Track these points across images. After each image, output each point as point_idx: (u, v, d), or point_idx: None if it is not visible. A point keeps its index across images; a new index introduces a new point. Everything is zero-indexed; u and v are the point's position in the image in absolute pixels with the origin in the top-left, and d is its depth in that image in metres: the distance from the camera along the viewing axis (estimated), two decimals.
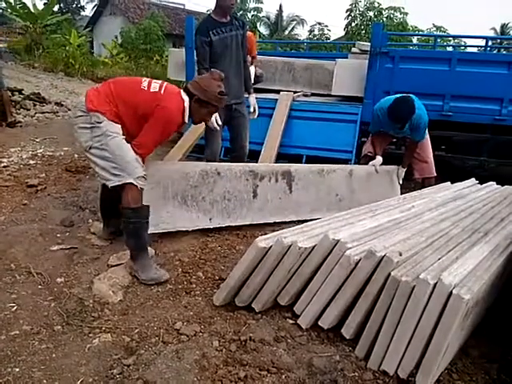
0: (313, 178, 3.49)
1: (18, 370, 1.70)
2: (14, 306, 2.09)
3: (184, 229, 2.92)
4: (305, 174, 3.46)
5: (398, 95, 3.59)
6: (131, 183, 2.36)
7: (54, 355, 1.80)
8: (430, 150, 3.92)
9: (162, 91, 2.46)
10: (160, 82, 2.54)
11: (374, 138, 3.91)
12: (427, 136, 3.86)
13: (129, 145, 2.42)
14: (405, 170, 3.89)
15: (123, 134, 2.42)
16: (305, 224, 2.32)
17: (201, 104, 2.52)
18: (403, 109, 3.42)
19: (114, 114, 2.39)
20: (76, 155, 4.75)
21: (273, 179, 3.28)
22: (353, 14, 18.50)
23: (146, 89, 2.45)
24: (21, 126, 5.88)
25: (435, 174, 3.90)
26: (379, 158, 3.80)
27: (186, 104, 2.49)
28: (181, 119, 2.50)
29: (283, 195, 3.34)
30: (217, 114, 2.97)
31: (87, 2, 27.00)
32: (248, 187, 3.17)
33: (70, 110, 7.58)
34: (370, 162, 3.80)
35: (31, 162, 4.39)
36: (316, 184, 3.50)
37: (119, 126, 2.41)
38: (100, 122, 2.36)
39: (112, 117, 2.38)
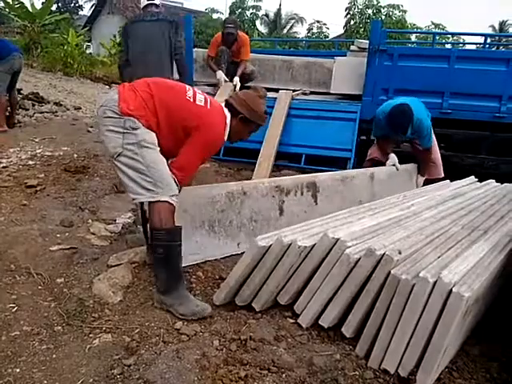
0: (336, 187, 3.34)
1: (18, 370, 1.70)
2: (14, 307, 2.09)
3: (213, 258, 2.68)
4: (329, 183, 3.29)
5: (397, 101, 3.58)
6: (166, 201, 2.08)
7: (54, 356, 1.79)
8: (438, 152, 3.92)
9: (209, 106, 2.24)
10: (202, 93, 2.32)
11: (380, 142, 3.89)
12: (434, 138, 3.86)
13: (165, 160, 2.16)
14: (424, 178, 3.88)
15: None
16: (304, 223, 2.32)
17: (246, 123, 2.33)
18: (399, 118, 3.43)
19: (150, 121, 2.11)
20: (75, 155, 4.74)
21: (298, 193, 3.09)
22: (351, 12, 18.52)
23: (191, 100, 2.20)
24: (20, 126, 5.88)
25: (443, 175, 3.89)
26: (394, 156, 3.77)
27: (228, 121, 2.29)
28: (223, 136, 2.29)
29: (308, 208, 3.15)
30: None
31: (85, 2, 27.07)
32: (274, 204, 2.97)
33: (68, 109, 7.57)
34: (388, 162, 3.76)
35: (30, 162, 4.38)
36: (340, 192, 3.35)
37: (154, 135, 2.13)
38: (135, 129, 2.07)
39: (148, 123, 2.10)
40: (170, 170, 2.14)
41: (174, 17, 3.87)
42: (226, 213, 2.72)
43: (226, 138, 2.31)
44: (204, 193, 2.62)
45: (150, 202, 2.10)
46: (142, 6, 3.97)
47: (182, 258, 2.18)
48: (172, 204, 2.10)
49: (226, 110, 2.31)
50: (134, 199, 2.15)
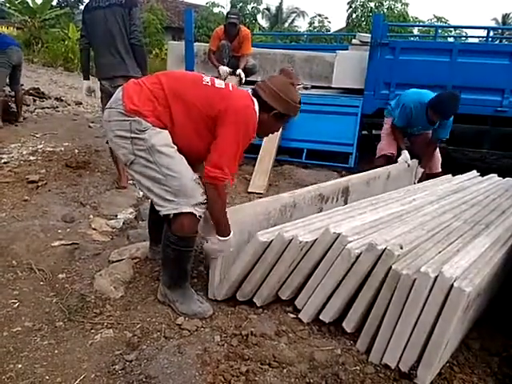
0: (362, 189, 3.27)
1: (20, 366, 1.71)
2: (16, 303, 2.10)
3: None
4: (358, 186, 3.20)
5: (426, 92, 3.60)
6: (189, 212, 1.89)
7: (56, 351, 1.80)
8: (437, 146, 3.92)
9: (231, 88, 1.99)
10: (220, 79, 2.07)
11: (397, 133, 3.87)
12: None
13: (184, 159, 1.92)
14: (423, 170, 3.87)
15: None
16: (305, 218, 2.31)
17: (279, 118, 2.03)
18: (453, 104, 3.41)
19: (161, 116, 1.88)
20: (76, 150, 4.74)
21: (334, 199, 3.00)
22: (354, 6, 18.40)
23: (209, 84, 1.94)
24: (21, 122, 5.88)
25: (440, 170, 3.88)
26: (406, 152, 3.76)
27: (257, 107, 1.98)
28: (256, 124, 1.97)
29: None
30: None
31: None
32: (314, 213, 2.77)
33: (69, 105, 7.57)
34: (400, 158, 3.74)
35: (31, 157, 4.38)
36: (364, 193, 3.25)
37: (166, 132, 1.89)
38: (143, 131, 1.85)
39: (158, 119, 1.87)
40: (207, 171, 1.86)
41: None
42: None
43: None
44: (261, 211, 2.37)
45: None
46: None
47: (191, 261, 2.09)
48: (195, 214, 1.91)
49: (254, 99, 2.00)
50: (158, 211, 1.95)
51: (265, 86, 1.99)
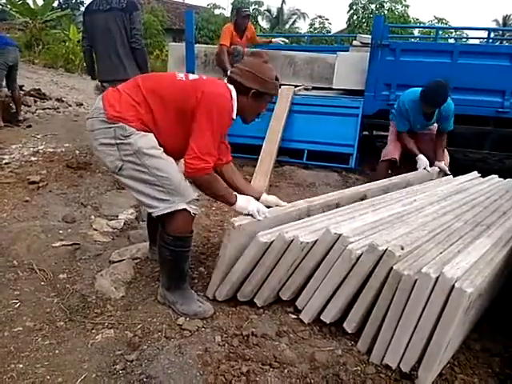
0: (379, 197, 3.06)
1: (21, 366, 1.71)
2: (17, 303, 2.10)
3: None
4: (375, 194, 3.01)
5: (416, 89, 3.60)
6: (183, 209, 1.91)
7: (57, 351, 1.80)
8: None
9: (204, 78, 2.02)
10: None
11: (404, 136, 3.86)
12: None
13: (172, 159, 1.96)
14: (443, 161, 3.80)
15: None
16: (306, 219, 2.31)
17: (259, 97, 2.02)
18: (440, 92, 3.43)
19: (143, 119, 1.89)
20: (77, 151, 4.74)
21: None
22: (355, 8, 18.42)
23: (184, 79, 1.97)
24: (22, 123, 5.88)
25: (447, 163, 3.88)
26: (423, 157, 3.71)
27: (234, 95, 1.98)
28: (232, 109, 1.97)
29: None
30: None
31: None
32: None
33: (70, 105, 7.57)
34: (418, 165, 3.69)
35: (32, 158, 4.39)
36: None
37: (151, 134, 1.91)
38: (127, 136, 1.85)
39: (142, 123, 1.89)
40: (187, 164, 1.87)
41: (126, 0, 3.66)
42: None
43: (234, 115, 2.01)
44: (273, 221, 2.26)
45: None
46: None
47: (189, 261, 2.11)
48: (190, 212, 1.93)
49: (229, 86, 2.00)
50: (151, 213, 1.97)
51: (238, 70, 2.01)
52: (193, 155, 1.86)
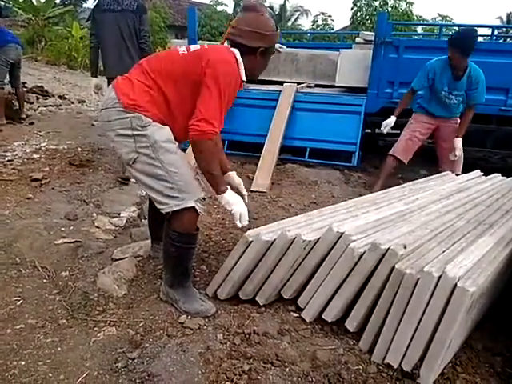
0: None
1: (23, 363, 1.71)
2: (19, 300, 2.11)
3: None
4: None
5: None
6: (191, 207, 1.91)
7: (59, 349, 1.81)
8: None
9: (206, 46, 1.98)
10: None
11: (403, 99, 3.94)
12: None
13: (184, 155, 1.98)
14: (461, 139, 3.77)
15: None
16: (308, 217, 2.31)
17: (265, 53, 1.98)
18: (469, 35, 3.45)
19: (158, 102, 1.88)
20: (79, 149, 4.75)
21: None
22: (358, 4, 18.36)
23: (186, 52, 1.93)
24: (24, 120, 5.89)
25: (460, 172, 3.81)
26: (391, 121, 3.82)
27: (239, 58, 1.93)
28: (238, 72, 1.92)
29: None
30: None
31: None
32: None
33: (72, 103, 7.58)
34: (384, 124, 3.84)
35: (35, 155, 4.40)
36: None
37: (167, 128, 1.91)
38: (144, 127, 1.85)
39: (157, 108, 1.88)
40: (192, 127, 1.81)
41: (137, 3, 3.80)
42: None
43: (243, 75, 1.95)
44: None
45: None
46: None
47: (193, 259, 2.11)
48: (196, 210, 1.92)
49: (233, 50, 1.95)
50: (159, 209, 1.95)
51: (238, 31, 1.94)
52: (200, 117, 1.81)
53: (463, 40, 3.44)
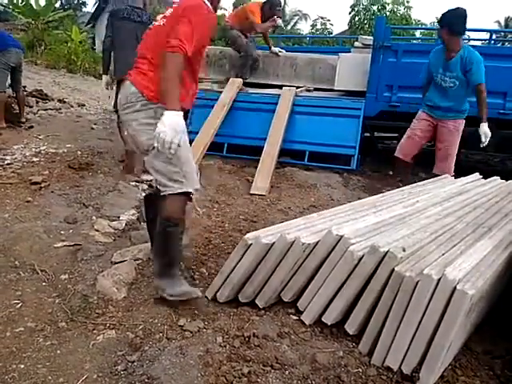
0: None
1: (23, 366, 1.71)
2: (18, 303, 2.10)
3: None
4: None
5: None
6: (188, 193, 2.08)
7: (58, 352, 1.80)
8: (456, 148, 3.82)
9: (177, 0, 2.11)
10: None
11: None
12: (459, 133, 3.79)
13: (190, 147, 2.18)
14: (487, 123, 3.73)
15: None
16: (307, 220, 2.31)
17: None
18: (457, 13, 3.47)
19: None
20: (79, 152, 4.75)
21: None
22: (356, 9, 18.43)
23: (165, 19, 2.10)
24: (24, 123, 5.89)
25: (453, 174, 3.82)
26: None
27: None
28: (206, 5, 2.04)
29: None
30: None
31: None
32: None
33: (72, 106, 7.58)
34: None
35: (34, 159, 4.40)
36: None
37: (182, 119, 1.97)
38: None
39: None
40: (167, 44, 1.89)
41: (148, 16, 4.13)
42: None
43: (210, 7, 2.08)
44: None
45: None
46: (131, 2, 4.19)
47: (180, 248, 2.21)
48: (191, 197, 2.12)
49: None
50: (161, 192, 2.06)
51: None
52: (173, 37, 1.90)
53: (451, 18, 3.48)
